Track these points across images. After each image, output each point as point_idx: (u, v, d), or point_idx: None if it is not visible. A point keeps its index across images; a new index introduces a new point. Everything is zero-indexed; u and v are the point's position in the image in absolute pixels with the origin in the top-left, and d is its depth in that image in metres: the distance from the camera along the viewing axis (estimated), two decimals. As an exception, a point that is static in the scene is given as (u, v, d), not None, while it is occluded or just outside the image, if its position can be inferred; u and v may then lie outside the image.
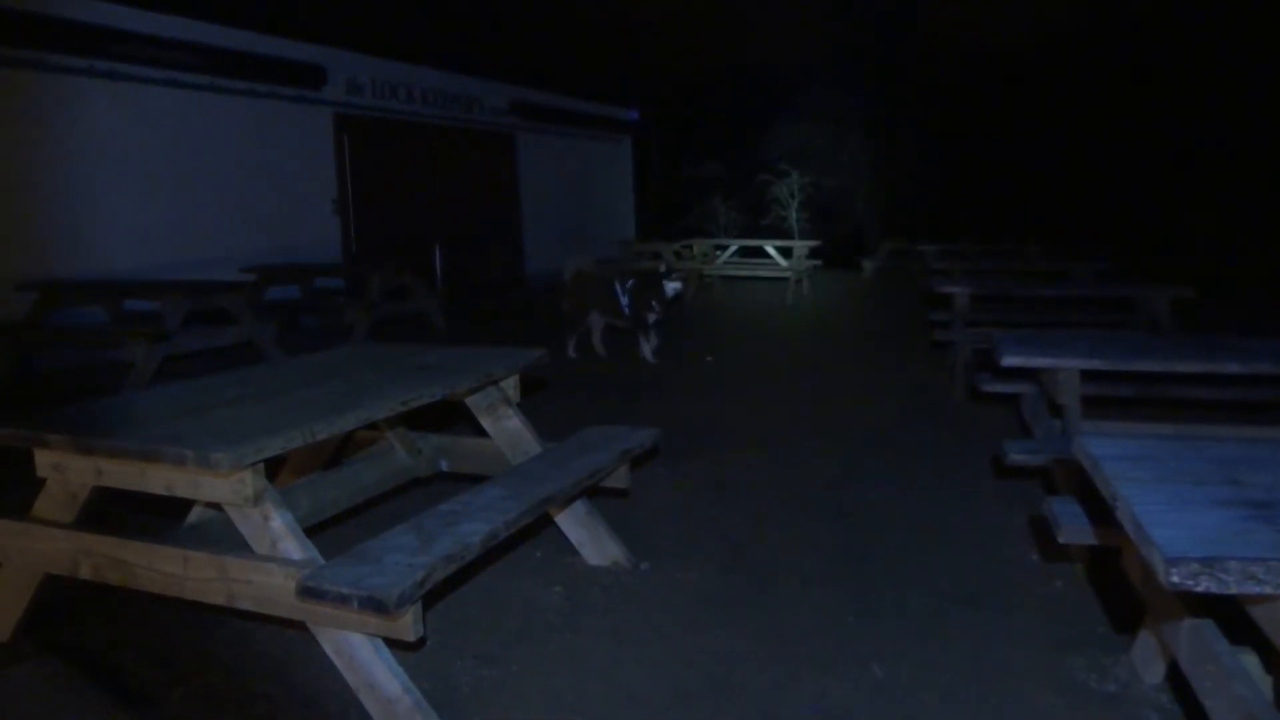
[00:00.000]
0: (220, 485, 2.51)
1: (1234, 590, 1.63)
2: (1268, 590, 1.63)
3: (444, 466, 4.05)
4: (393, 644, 2.53)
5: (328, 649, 2.53)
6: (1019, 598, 3.46)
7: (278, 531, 2.54)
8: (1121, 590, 2.81)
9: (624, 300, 8.40)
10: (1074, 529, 2.81)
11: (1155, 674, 2.76)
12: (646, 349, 8.53)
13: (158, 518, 3.32)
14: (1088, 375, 4.02)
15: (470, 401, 3.65)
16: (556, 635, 3.18)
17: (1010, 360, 3.85)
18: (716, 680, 2.88)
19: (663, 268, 8.68)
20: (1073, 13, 20.44)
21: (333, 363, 3.70)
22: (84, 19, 9.60)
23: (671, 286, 8.37)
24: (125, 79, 9.95)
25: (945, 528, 4.22)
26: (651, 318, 8.39)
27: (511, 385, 3.75)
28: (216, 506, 2.87)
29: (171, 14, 10.38)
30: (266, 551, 2.55)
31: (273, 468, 3.78)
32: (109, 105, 9.82)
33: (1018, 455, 3.74)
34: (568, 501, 3.54)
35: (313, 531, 3.14)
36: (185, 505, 3.17)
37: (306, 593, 2.30)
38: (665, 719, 2.69)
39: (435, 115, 14.54)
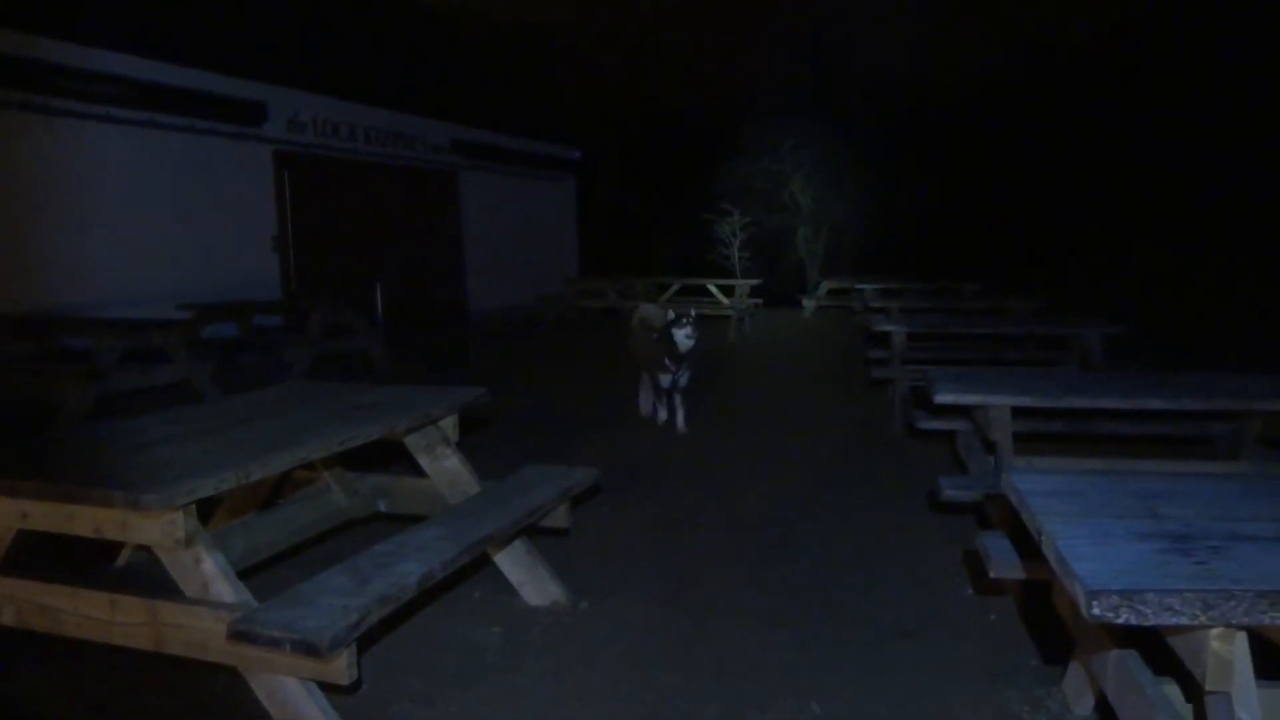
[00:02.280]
0: (150, 527, 2.46)
1: (1152, 621, 1.68)
2: (1184, 621, 1.67)
3: (382, 507, 4.02)
4: (327, 688, 2.50)
5: (260, 694, 2.49)
6: (955, 631, 3.50)
7: (209, 574, 2.50)
8: (1053, 622, 2.86)
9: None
10: (1004, 563, 2.86)
11: (1085, 705, 2.81)
12: (667, 414, 7.14)
13: (86, 560, 3.25)
14: (1019, 411, 4.11)
15: (409, 441, 3.64)
16: (495, 676, 3.15)
17: (943, 397, 3.93)
18: (657, 718, 2.87)
19: (670, 314, 6.78)
20: (1006, 55, 21.05)
21: (269, 401, 3.66)
22: (20, 53, 9.48)
23: (683, 337, 6.60)
24: (61, 114, 9.82)
25: (883, 562, 4.26)
26: (666, 380, 6.88)
27: (450, 424, 3.74)
28: (147, 549, 2.81)
29: (109, 49, 10.28)
30: (197, 595, 2.51)
31: (208, 508, 3.73)
32: (45, 141, 9.68)
33: (951, 491, 3.81)
34: (507, 541, 3.53)
35: (248, 574, 3.09)
36: (117, 547, 3.11)
37: (237, 636, 2.26)
38: (604, 759, 2.68)
39: (378, 153, 14.53)
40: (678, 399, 6.98)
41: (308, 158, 13.12)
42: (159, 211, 10.80)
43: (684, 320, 6.61)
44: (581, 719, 2.88)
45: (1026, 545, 2.73)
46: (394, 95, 14.82)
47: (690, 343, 6.60)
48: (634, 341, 7.36)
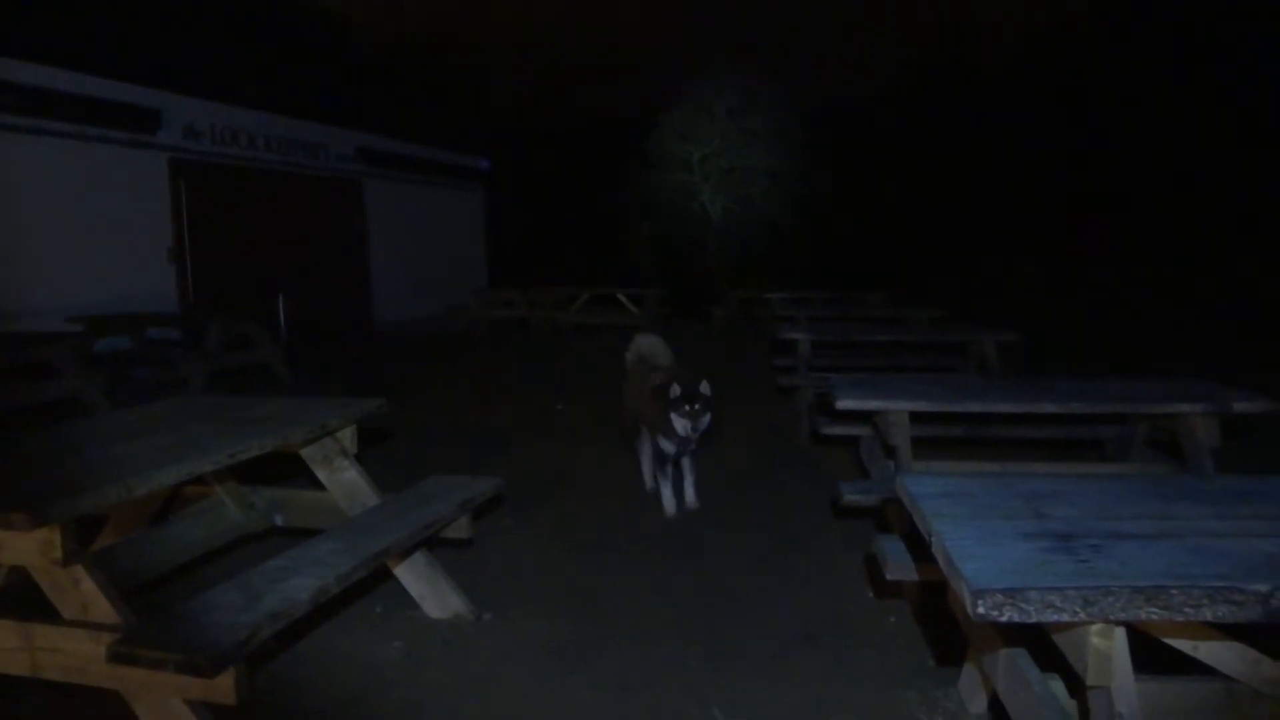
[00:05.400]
0: (25, 546, 2.36)
1: (1035, 618, 1.72)
2: (1065, 618, 1.72)
3: (279, 521, 3.92)
4: (220, 710, 2.41)
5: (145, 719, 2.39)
6: (855, 635, 3.54)
7: (88, 594, 2.40)
8: (948, 623, 2.91)
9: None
10: (900, 566, 2.90)
11: (979, 704, 2.87)
12: (672, 490, 5.35)
13: None
14: (919, 417, 4.19)
15: (305, 453, 3.55)
16: (394, 691, 3.09)
17: (845, 403, 3.99)
18: (558, 731, 2.85)
19: (676, 391, 4.80)
20: (913, 67, 21.57)
21: (159, 415, 3.54)
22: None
23: (686, 428, 4.82)
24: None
25: (788, 569, 4.30)
26: (670, 446, 5.09)
27: (348, 436, 3.66)
28: (24, 570, 2.69)
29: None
30: (76, 616, 2.41)
31: (94, 527, 3.60)
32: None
33: (852, 496, 3.86)
34: (406, 553, 3.47)
35: (136, 594, 2.98)
36: None
37: (118, 658, 2.18)
38: (505, 773, 2.64)
39: (279, 161, 14.24)
40: (686, 463, 5.41)
41: (205, 166, 12.79)
42: (47, 221, 10.42)
43: (688, 406, 4.80)
44: (482, 733, 2.84)
45: (921, 547, 2.78)
46: (297, 102, 14.55)
47: (695, 434, 4.91)
48: (631, 386, 5.73)
